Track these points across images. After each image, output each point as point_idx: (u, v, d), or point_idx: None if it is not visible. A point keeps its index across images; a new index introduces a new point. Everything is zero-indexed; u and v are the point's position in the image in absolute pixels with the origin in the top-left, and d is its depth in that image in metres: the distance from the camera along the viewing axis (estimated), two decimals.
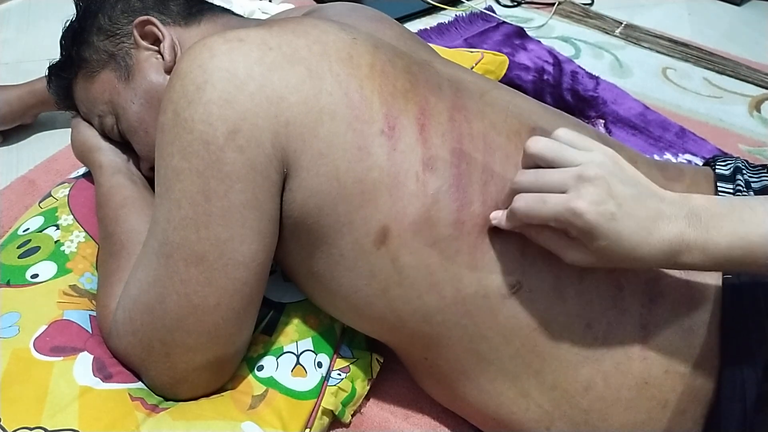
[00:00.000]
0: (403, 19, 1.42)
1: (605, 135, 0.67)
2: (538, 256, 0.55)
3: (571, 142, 0.50)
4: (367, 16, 0.72)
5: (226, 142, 0.52)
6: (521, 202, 0.50)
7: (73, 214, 0.75)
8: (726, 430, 0.53)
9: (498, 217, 0.53)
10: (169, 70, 0.66)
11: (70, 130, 0.76)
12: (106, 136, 0.72)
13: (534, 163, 0.51)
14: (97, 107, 0.70)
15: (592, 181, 0.47)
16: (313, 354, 0.67)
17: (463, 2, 1.51)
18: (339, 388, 0.66)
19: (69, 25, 0.72)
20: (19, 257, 0.69)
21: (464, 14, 1.44)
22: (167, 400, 0.60)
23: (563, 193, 0.48)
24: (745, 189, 0.60)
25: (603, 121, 1.14)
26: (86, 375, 0.58)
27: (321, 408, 0.64)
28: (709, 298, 0.54)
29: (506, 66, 1.15)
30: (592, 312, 0.55)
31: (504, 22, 1.41)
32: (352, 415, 0.68)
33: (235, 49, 0.54)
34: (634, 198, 0.47)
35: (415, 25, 1.42)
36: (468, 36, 1.36)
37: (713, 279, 0.54)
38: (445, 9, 1.49)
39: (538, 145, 0.50)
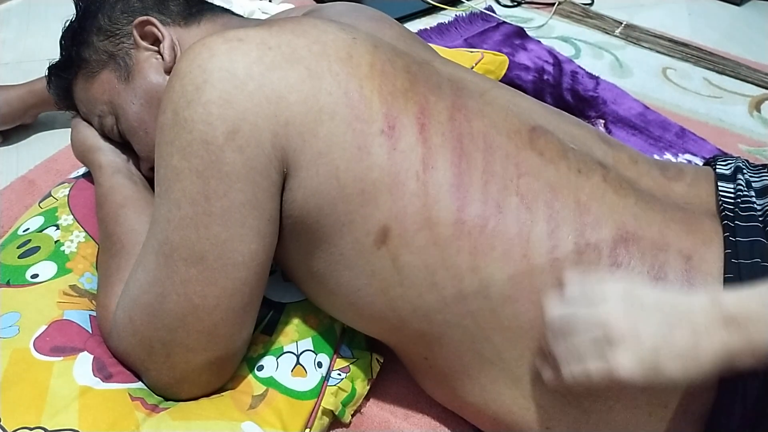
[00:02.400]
0: (403, 19, 1.42)
1: (605, 134, 0.67)
2: (538, 257, 0.55)
3: (583, 296, 0.49)
4: (367, 16, 0.72)
5: (226, 141, 0.52)
6: (568, 375, 0.49)
7: (73, 214, 0.75)
8: (727, 430, 0.53)
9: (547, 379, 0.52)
10: (168, 71, 0.66)
11: (70, 130, 0.76)
12: (106, 136, 0.72)
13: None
14: (96, 107, 0.70)
15: (621, 343, 0.46)
16: (313, 354, 0.66)
17: (463, 2, 1.51)
18: (339, 388, 0.66)
19: (69, 25, 0.72)
20: (19, 257, 0.69)
21: (464, 14, 1.44)
22: (167, 400, 0.60)
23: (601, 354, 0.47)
24: (746, 188, 0.60)
25: (603, 121, 1.14)
26: (86, 375, 0.58)
27: (321, 408, 0.64)
28: None
29: (506, 66, 1.15)
30: None
31: (504, 22, 1.41)
32: (352, 415, 0.68)
33: (235, 48, 0.54)
34: (668, 335, 0.46)
35: (415, 25, 1.41)
36: (468, 36, 1.36)
37: (714, 279, 0.54)
38: (445, 9, 1.49)
39: (554, 319, 0.50)
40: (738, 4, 1.60)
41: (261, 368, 0.64)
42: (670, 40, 1.42)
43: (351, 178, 0.54)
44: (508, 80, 1.18)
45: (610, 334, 0.46)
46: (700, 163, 0.85)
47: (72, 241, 0.72)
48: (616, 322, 0.47)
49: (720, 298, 0.46)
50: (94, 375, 0.59)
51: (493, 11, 1.46)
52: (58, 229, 0.73)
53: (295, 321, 0.69)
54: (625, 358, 0.46)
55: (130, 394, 0.58)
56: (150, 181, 0.72)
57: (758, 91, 1.28)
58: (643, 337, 0.46)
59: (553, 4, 1.53)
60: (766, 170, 0.63)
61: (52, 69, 0.74)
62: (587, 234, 0.55)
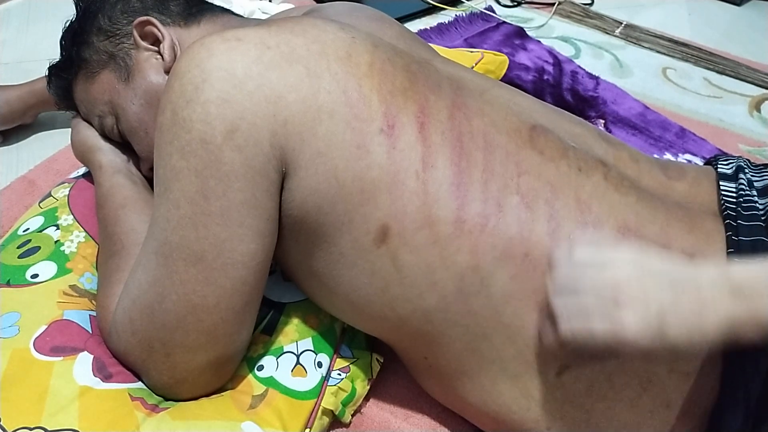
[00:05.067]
0: (403, 19, 1.42)
1: (606, 133, 0.67)
2: (540, 256, 0.54)
3: (592, 258, 0.49)
4: (367, 16, 0.72)
5: (225, 141, 0.52)
6: (569, 333, 0.49)
7: (73, 214, 0.75)
8: (729, 430, 0.53)
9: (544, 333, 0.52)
10: (168, 71, 0.66)
11: (70, 130, 0.76)
12: (106, 136, 0.72)
13: None
14: (97, 107, 0.70)
15: (628, 305, 0.46)
16: (313, 354, 0.66)
17: (463, 2, 1.51)
18: (339, 388, 0.66)
19: (69, 25, 0.72)
20: (19, 257, 0.69)
21: (464, 14, 1.44)
22: (167, 399, 0.60)
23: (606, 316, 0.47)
24: (747, 188, 0.60)
25: (603, 121, 1.14)
26: (86, 375, 0.58)
27: (321, 408, 0.64)
28: None
29: (506, 66, 1.15)
30: None
31: (504, 22, 1.41)
32: (352, 415, 0.68)
33: (234, 48, 0.54)
34: (674, 300, 0.46)
35: (415, 25, 1.41)
36: (468, 36, 1.36)
37: None
38: (445, 9, 1.49)
39: (561, 276, 0.50)
40: (738, 4, 1.60)
41: (261, 368, 0.64)
42: (670, 40, 1.42)
43: (350, 177, 0.54)
44: (508, 80, 1.18)
45: (618, 295, 0.47)
46: (701, 163, 0.85)
47: (72, 241, 0.72)
48: (626, 284, 0.47)
49: (728, 269, 0.46)
50: (94, 375, 0.59)
51: (493, 11, 1.46)
52: (58, 229, 0.73)
53: (295, 321, 0.68)
54: (632, 319, 0.46)
55: (130, 394, 0.58)
56: (150, 181, 0.72)
57: (758, 91, 1.28)
58: (650, 301, 0.46)
59: (553, 4, 1.53)
60: (767, 169, 0.62)
61: (52, 69, 0.74)
62: (588, 233, 0.55)
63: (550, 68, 1.25)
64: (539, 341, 0.54)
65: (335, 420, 0.67)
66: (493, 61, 1.11)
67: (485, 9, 1.45)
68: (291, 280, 0.67)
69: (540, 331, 0.53)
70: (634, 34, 1.44)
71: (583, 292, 0.48)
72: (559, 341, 0.50)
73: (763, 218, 0.56)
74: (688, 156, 1.08)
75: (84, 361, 0.60)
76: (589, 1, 1.57)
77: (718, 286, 0.46)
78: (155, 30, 0.66)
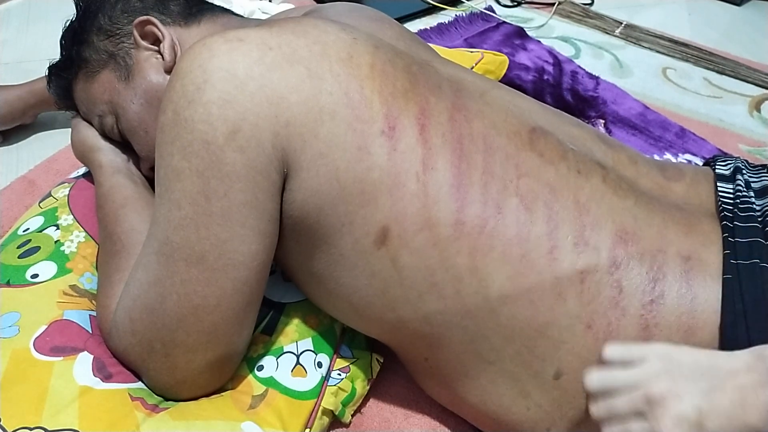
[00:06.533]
0: (403, 19, 1.42)
1: (605, 135, 0.67)
2: (537, 258, 0.55)
3: (621, 359, 0.49)
4: (367, 16, 0.72)
5: (227, 142, 0.52)
6: None
7: (73, 214, 0.75)
8: None
9: None
10: (169, 70, 0.66)
11: (70, 130, 0.76)
12: (106, 136, 0.72)
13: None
14: (97, 107, 0.70)
15: (662, 402, 0.45)
16: (313, 354, 0.67)
17: (463, 2, 1.51)
18: (339, 388, 0.66)
19: (69, 25, 0.72)
20: (19, 257, 0.69)
21: (464, 14, 1.44)
22: (167, 400, 0.60)
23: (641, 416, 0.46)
24: (744, 189, 0.60)
25: (603, 121, 1.14)
26: (86, 375, 0.58)
27: (321, 408, 0.64)
28: (709, 299, 0.54)
29: (506, 66, 1.15)
30: (593, 313, 0.55)
31: (504, 22, 1.41)
32: (352, 415, 0.68)
33: (235, 49, 0.54)
34: (711, 394, 0.45)
35: (415, 25, 1.41)
36: (468, 36, 1.36)
37: (713, 279, 0.54)
38: (445, 9, 1.49)
39: (593, 382, 0.49)
40: (738, 4, 1.60)
41: (261, 368, 0.64)
42: (670, 40, 1.42)
43: (351, 178, 0.54)
44: (508, 80, 1.18)
45: (650, 394, 0.46)
46: (700, 163, 0.85)
47: (72, 241, 0.72)
48: (656, 381, 0.46)
49: (763, 352, 0.45)
50: (94, 375, 0.59)
51: (493, 11, 1.46)
52: (58, 229, 0.73)
53: (295, 321, 0.69)
54: (667, 418, 0.45)
55: (130, 394, 0.58)
56: (150, 181, 0.72)
57: (758, 91, 1.28)
58: (684, 397, 0.45)
59: (553, 4, 1.53)
60: (765, 170, 0.63)
61: (53, 69, 0.74)
62: (586, 234, 0.55)
63: (550, 68, 1.25)
64: None
65: (335, 420, 0.67)
66: (493, 61, 1.11)
67: (485, 9, 1.45)
68: (291, 280, 0.68)
69: None
70: (634, 34, 1.44)
71: (616, 394, 0.47)
72: None
73: (759, 219, 0.56)
74: (688, 156, 1.08)
75: (84, 361, 0.60)
76: (589, 1, 1.57)
77: (754, 369, 0.44)
78: (155, 29, 0.66)
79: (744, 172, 0.63)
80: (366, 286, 0.57)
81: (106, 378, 0.59)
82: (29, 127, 1.04)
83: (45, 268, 0.68)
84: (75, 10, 0.72)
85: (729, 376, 0.45)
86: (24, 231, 0.74)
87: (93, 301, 0.66)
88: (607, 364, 0.49)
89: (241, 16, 0.74)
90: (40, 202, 0.78)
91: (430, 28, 1.39)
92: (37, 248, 0.70)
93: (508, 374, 0.57)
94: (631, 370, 0.48)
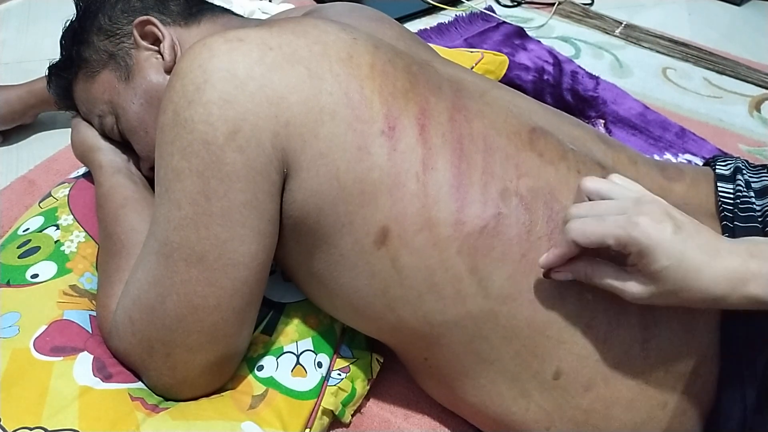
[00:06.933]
0: (403, 19, 1.42)
1: (605, 135, 0.67)
2: (537, 258, 0.55)
3: (624, 185, 0.50)
4: (367, 16, 0.72)
5: (226, 142, 0.52)
6: (577, 223, 0.48)
7: (73, 214, 0.75)
8: (726, 430, 0.53)
9: (545, 257, 0.52)
10: (169, 70, 0.66)
11: (70, 130, 0.76)
12: (106, 136, 0.72)
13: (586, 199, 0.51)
14: (97, 107, 0.70)
15: (650, 203, 0.46)
16: (313, 354, 0.67)
17: (463, 2, 1.51)
18: (339, 388, 0.66)
19: (69, 25, 0.72)
20: (19, 257, 0.69)
21: (464, 14, 1.44)
22: (167, 400, 0.60)
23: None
24: (745, 189, 0.60)
25: (603, 121, 1.14)
26: (86, 375, 0.58)
27: (321, 408, 0.64)
28: None
29: (506, 66, 1.15)
30: (592, 312, 0.55)
31: (504, 22, 1.41)
32: (352, 415, 0.68)
33: (235, 49, 0.54)
34: (693, 224, 0.46)
35: (415, 25, 1.41)
36: (468, 36, 1.36)
37: None
38: (445, 9, 1.49)
39: (593, 182, 0.50)
40: (738, 4, 1.60)
41: (261, 368, 0.64)
42: (670, 40, 1.42)
43: (351, 178, 0.54)
44: (508, 80, 1.18)
45: (642, 197, 0.47)
46: (700, 163, 0.85)
47: (72, 241, 0.72)
48: (650, 199, 0.48)
49: (746, 238, 0.47)
50: (94, 375, 0.59)
51: (493, 11, 1.46)
52: (58, 229, 0.73)
53: (295, 321, 0.69)
54: (649, 211, 0.46)
55: (130, 394, 0.58)
56: (150, 181, 0.72)
57: (758, 91, 1.28)
58: (671, 212, 0.47)
59: (553, 4, 1.53)
60: (765, 170, 0.62)
61: (53, 69, 0.74)
62: None
63: (550, 68, 1.25)
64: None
65: (335, 420, 0.67)
66: (493, 61, 1.11)
67: (485, 9, 1.45)
68: (291, 280, 0.68)
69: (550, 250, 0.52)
70: (634, 34, 1.44)
71: (606, 197, 0.49)
72: (563, 245, 0.49)
73: (759, 219, 0.56)
74: (688, 156, 1.08)
75: (84, 361, 0.60)
76: (589, 1, 1.57)
77: (736, 242, 0.46)
78: (155, 29, 0.66)
79: (744, 172, 0.63)
80: (366, 286, 0.57)
81: (106, 378, 0.59)
82: (29, 127, 1.04)
83: (45, 268, 0.68)
84: (75, 10, 0.72)
85: (711, 233, 0.47)
86: (24, 231, 0.74)
87: (93, 301, 0.66)
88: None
89: (241, 16, 0.74)
90: (40, 202, 0.78)
91: (430, 28, 1.39)
92: (37, 248, 0.70)
93: (508, 374, 0.57)
94: (630, 188, 0.50)
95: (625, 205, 0.47)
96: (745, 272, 0.45)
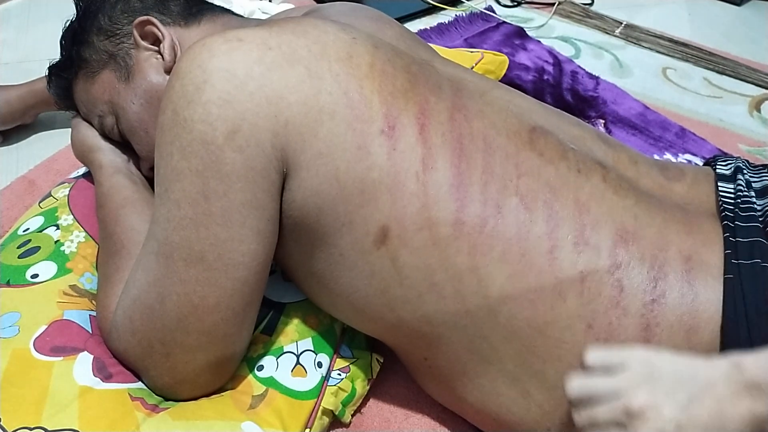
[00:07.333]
0: (403, 19, 1.42)
1: (605, 134, 0.67)
2: (537, 257, 0.55)
3: (603, 366, 0.48)
4: (367, 16, 0.72)
5: (226, 142, 0.52)
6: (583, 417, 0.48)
7: (73, 214, 0.75)
8: None
9: None
10: (169, 70, 0.66)
11: (70, 130, 0.76)
12: (106, 136, 0.72)
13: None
14: (97, 107, 0.70)
15: (641, 415, 0.45)
16: (313, 354, 0.66)
17: (463, 2, 1.51)
18: (339, 388, 0.66)
19: (69, 25, 0.72)
20: (19, 257, 0.69)
21: (464, 14, 1.44)
22: (167, 400, 0.60)
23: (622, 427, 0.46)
24: (745, 189, 0.60)
25: (603, 121, 1.14)
26: (86, 375, 0.58)
27: (321, 408, 0.64)
28: (710, 299, 0.54)
29: (506, 66, 1.15)
30: (593, 312, 0.55)
31: (504, 22, 1.41)
32: (352, 415, 0.68)
33: (235, 49, 0.54)
34: (690, 406, 0.44)
35: (415, 25, 1.41)
36: (468, 36, 1.36)
37: (714, 279, 0.54)
38: (445, 9, 1.49)
39: (573, 389, 0.49)
40: (738, 4, 1.60)
41: (261, 368, 0.64)
42: (670, 40, 1.42)
43: (351, 178, 0.54)
44: (508, 80, 1.18)
45: (629, 406, 0.45)
46: (700, 163, 0.85)
47: (72, 241, 0.72)
48: (635, 393, 0.46)
49: (741, 363, 0.45)
50: (94, 375, 0.59)
51: (493, 11, 1.46)
52: (58, 229, 0.73)
53: (295, 321, 0.69)
54: (646, 431, 0.44)
55: (130, 394, 0.58)
56: (150, 181, 0.72)
57: (758, 91, 1.28)
58: (663, 410, 0.44)
59: (553, 4, 1.53)
60: (766, 170, 0.63)
61: (53, 69, 0.74)
62: (586, 234, 0.55)
63: (550, 68, 1.25)
64: None
65: (335, 420, 0.67)
66: (493, 61, 1.11)
67: (485, 9, 1.45)
68: (291, 280, 0.68)
69: None
70: (634, 34, 1.44)
71: (596, 402, 0.47)
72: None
73: (760, 219, 0.56)
74: (688, 156, 1.08)
75: (84, 361, 0.60)
76: (589, 1, 1.57)
77: (734, 383, 0.44)
78: (155, 30, 0.66)
79: (745, 171, 0.63)
80: (366, 286, 0.57)
81: (106, 378, 0.59)
82: (29, 127, 1.04)
83: (45, 268, 0.68)
84: (75, 11, 0.72)
85: (707, 386, 0.44)
86: (24, 231, 0.74)
87: (93, 301, 0.66)
88: (588, 370, 0.49)
89: (241, 16, 0.74)
90: (40, 202, 0.78)
91: (430, 28, 1.39)
92: (37, 248, 0.70)
93: (508, 374, 0.57)
94: (611, 379, 0.47)
95: (619, 419, 0.46)
96: (754, 420, 0.43)
